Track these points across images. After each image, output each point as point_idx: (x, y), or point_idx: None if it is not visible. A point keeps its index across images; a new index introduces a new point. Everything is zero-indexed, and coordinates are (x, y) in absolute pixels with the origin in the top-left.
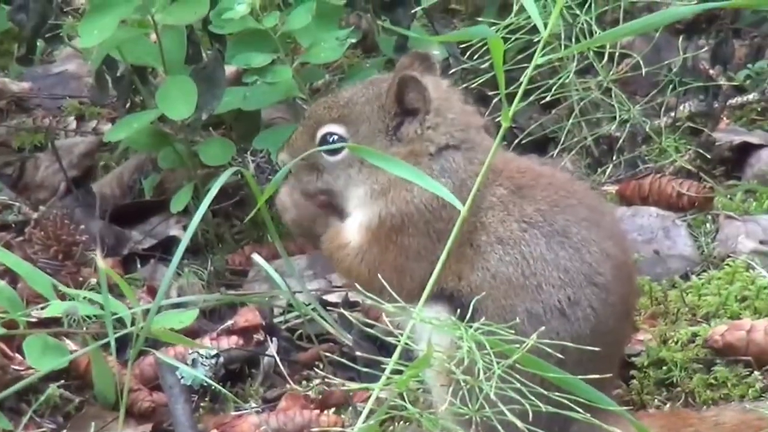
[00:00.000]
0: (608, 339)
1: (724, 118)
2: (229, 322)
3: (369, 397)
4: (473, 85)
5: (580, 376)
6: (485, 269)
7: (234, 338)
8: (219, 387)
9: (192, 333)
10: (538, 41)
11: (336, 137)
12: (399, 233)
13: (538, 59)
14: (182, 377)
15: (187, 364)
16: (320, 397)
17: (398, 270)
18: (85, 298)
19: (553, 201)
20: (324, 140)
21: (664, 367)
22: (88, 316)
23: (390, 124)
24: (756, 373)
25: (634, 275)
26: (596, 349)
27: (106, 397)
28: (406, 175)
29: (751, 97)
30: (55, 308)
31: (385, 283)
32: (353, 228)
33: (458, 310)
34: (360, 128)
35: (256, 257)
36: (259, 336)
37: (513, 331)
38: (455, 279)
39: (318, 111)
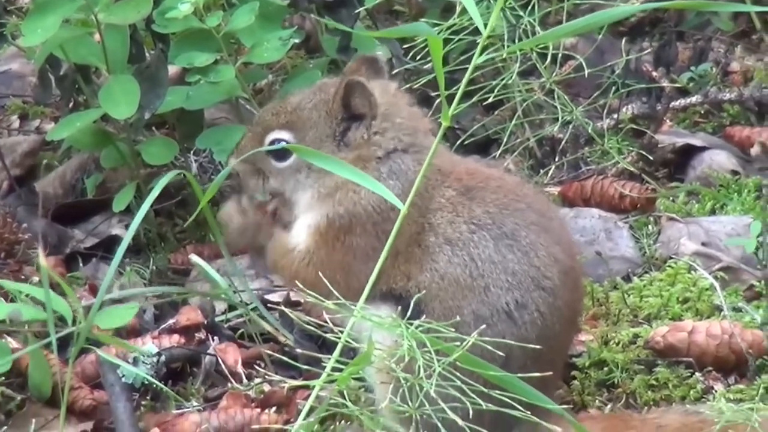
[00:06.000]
0: (554, 343)
1: (667, 120)
2: (171, 321)
3: (310, 395)
4: (416, 86)
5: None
6: (434, 270)
7: (176, 337)
8: (160, 385)
9: (133, 331)
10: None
11: (283, 143)
12: (347, 233)
13: (478, 59)
14: (123, 375)
15: (128, 363)
16: (261, 396)
17: (345, 270)
18: (27, 295)
19: (503, 204)
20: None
21: (606, 368)
22: None
23: (337, 130)
24: (697, 374)
25: (580, 281)
26: (540, 348)
27: (41, 393)
28: (353, 178)
29: (694, 99)
30: None
31: (328, 284)
32: (300, 230)
33: (405, 310)
34: (307, 134)
35: (194, 257)
36: (201, 335)
37: (454, 330)
38: (404, 279)
39: (266, 117)
